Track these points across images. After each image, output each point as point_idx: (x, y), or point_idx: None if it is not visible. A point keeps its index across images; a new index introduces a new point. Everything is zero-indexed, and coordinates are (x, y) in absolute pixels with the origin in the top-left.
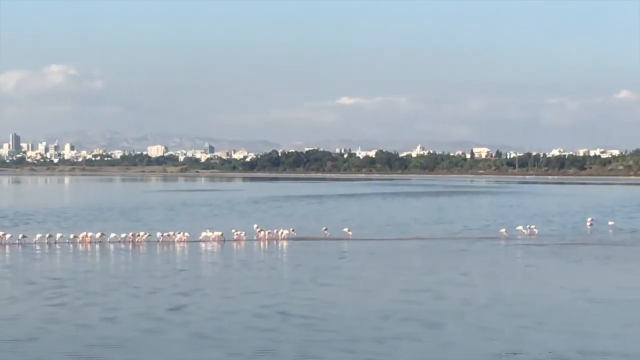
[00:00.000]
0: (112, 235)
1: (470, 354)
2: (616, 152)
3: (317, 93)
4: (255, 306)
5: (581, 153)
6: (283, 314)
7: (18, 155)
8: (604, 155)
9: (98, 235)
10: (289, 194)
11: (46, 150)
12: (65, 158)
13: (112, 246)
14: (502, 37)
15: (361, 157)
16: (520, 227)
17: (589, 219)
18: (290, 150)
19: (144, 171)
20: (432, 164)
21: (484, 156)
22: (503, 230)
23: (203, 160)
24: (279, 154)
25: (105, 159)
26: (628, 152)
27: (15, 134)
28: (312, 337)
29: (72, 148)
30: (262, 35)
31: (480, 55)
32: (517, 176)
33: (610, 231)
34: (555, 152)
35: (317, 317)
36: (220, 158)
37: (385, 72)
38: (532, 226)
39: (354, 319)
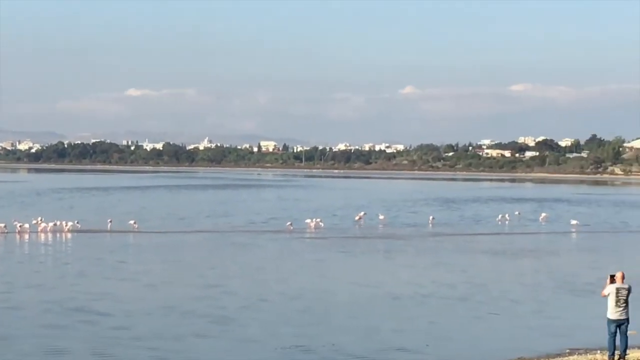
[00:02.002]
0: None
1: (258, 348)
2: (401, 147)
3: (104, 84)
4: (39, 302)
5: (367, 147)
6: (70, 310)
7: None
8: (389, 150)
9: None
10: (74, 186)
11: None
12: None
13: None
14: (288, 32)
15: (148, 150)
16: (308, 221)
17: (360, 213)
18: (76, 142)
19: None
20: (220, 157)
21: (271, 150)
22: (289, 223)
23: None
24: (65, 145)
25: None
26: (412, 147)
27: None
28: (102, 334)
29: None
30: (49, 25)
31: (267, 49)
32: (304, 170)
33: (381, 226)
34: (342, 147)
35: (105, 312)
36: (4, 149)
37: (172, 64)
38: (318, 219)
39: (144, 315)
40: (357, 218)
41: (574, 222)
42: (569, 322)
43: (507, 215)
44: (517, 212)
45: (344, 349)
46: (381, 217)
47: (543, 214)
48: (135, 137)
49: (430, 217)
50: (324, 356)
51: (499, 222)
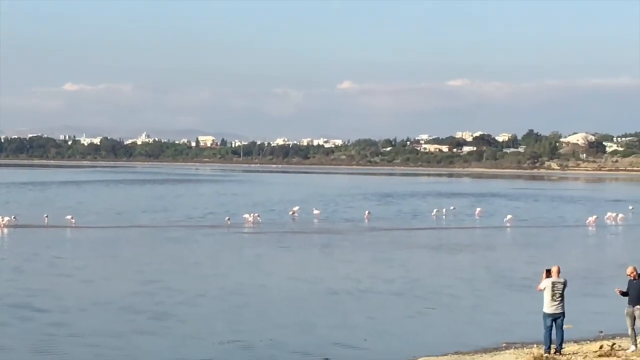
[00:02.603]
0: None
1: (197, 344)
2: (339, 142)
3: (42, 79)
4: None
5: (305, 142)
6: (6, 306)
7: None
8: (327, 145)
9: None
10: (10, 181)
11: None
12: None
13: None
14: (227, 26)
15: (86, 144)
16: (246, 215)
17: (294, 208)
18: (13, 137)
19: None
20: (158, 151)
21: (209, 144)
22: (227, 218)
23: None
24: (2, 140)
25: None
26: (350, 142)
27: None
28: (39, 331)
29: None
30: None
31: (206, 44)
32: (242, 165)
33: (316, 220)
34: (280, 141)
35: (42, 309)
36: None
37: (109, 59)
38: (256, 214)
39: (82, 311)
40: (291, 213)
41: (508, 216)
42: (506, 317)
43: (444, 210)
44: (452, 207)
45: (282, 344)
46: (316, 212)
47: (478, 209)
48: (72, 131)
49: (366, 212)
50: (262, 351)
51: (434, 217)
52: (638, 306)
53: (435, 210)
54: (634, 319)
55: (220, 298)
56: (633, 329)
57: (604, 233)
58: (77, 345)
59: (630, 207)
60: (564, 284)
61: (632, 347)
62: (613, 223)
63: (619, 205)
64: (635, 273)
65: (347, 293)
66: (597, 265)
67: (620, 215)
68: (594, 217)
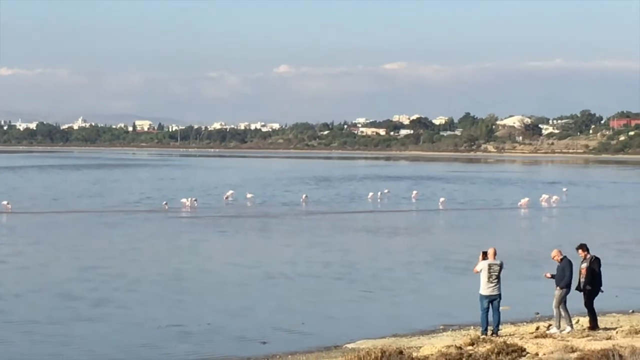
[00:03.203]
0: None
1: (136, 330)
2: (276, 126)
3: None
4: None
5: (242, 126)
6: None
7: None
8: (264, 129)
9: None
10: None
11: None
12: None
13: None
14: (164, 10)
15: (21, 129)
16: (184, 200)
17: (228, 192)
18: None
19: None
20: (94, 136)
21: (146, 129)
22: (164, 203)
23: None
24: None
25: None
26: (288, 126)
27: None
28: None
29: None
30: None
31: (142, 28)
32: (179, 149)
33: (249, 204)
34: (217, 126)
35: None
36: None
37: (44, 43)
38: (194, 199)
39: (18, 298)
40: (225, 197)
41: (442, 199)
42: (443, 299)
43: (379, 194)
44: (386, 190)
45: (220, 328)
46: (249, 195)
47: (414, 192)
48: (8, 116)
49: (303, 196)
50: (200, 336)
51: (370, 200)
52: (565, 288)
53: (370, 194)
54: (564, 300)
55: (158, 283)
56: (567, 311)
57: (539, 215)
58: (14, 332)
59: (564, 189)
60: (500, 266)
61: (568, 328)
62: (547, 205)
63: (555, 187)
64: (559, 256)
65: (285, 277)
66: (532, 247)
67: (555, 197)
68: (526, 199)
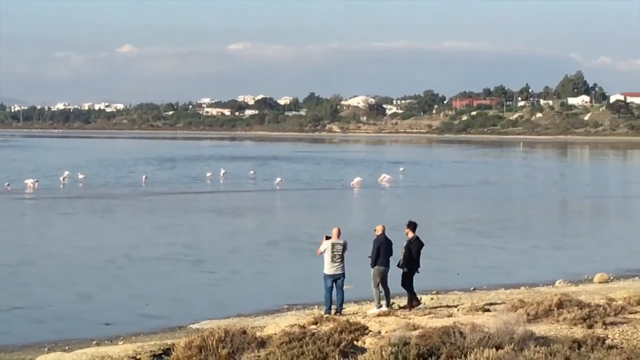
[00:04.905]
0: None
1: None
2: (121, 106)
3: None
4: None
5: (86, 107)
6: None
7: None
8: (108, 109)
9: None
10: None
11: None
12: None
13: None
14: None
15: None
16: (27, 181)
17: (64, 173)
18: None
19: None
20: None
21: None
22: (7, 184)
23: None
24: None
25: None
26: (132, 107)
27: None
28: None
29: None
30: None
31: None
32: (22, 130)
33: (80, 185)
34: (60, 106)
35: None
36: None
37: None
38: (36, 180)
39: None
40: (62, 178)
41: (278, 179)
42: (288, 279)
43: (221, 174)
44: (224, 171)
45: (64, 311)
46: (81, 176)
47: (251, 171)
48: None
49: (144, 176)
50: (43, 320)
51: (209, 181)
52: (377, 267)
53: (209, 174)
54: (381, 279)
55: (1, 267)
56: (380, 288)
57: (380, 194)
58: None
59: (401, 169)
60: (344, 246)
61: (379, 307)
62: (387, 185)
63: (398, 167)
64: (379, 232)
65: (128, 259)
66: (372, 226)
67: (387, 176)
68: (359, 178)
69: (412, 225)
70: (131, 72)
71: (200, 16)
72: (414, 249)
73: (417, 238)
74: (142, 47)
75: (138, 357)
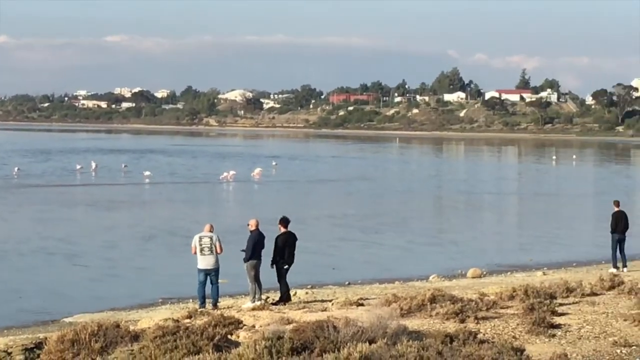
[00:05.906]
0: None
1: None
2: None
3: None
4: None
5: None
6: None
7: None
8: None
9: None
10: None
11: None
12: None
13: None
14: None
15: None
16: None
17: None
18: None
19: None
20: None
21: None
22: None
23: None
24: None
25: None
26: (7, 98)
27: None
28: None
29: None
30: None
31: None
32: None
33: None
34: None
35: None
36: None
37: None
38: None
39: None
40: None
41: (147, 172)
42: (162, 273)
43: (93, 167)
44: (94, 165)
45: None
46: None
47: (123, 165)
48: None
49: (15, 168)
50: None
51: (79, 173)
52: (250, 261)
53: (78, 166)
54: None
55: None
56: (257, 283)
57: (252, 189)
58: None
59: (274, 163)
60: (211, 239)
61: (249, 303)
62: (258, 178)
63: (275, 160)
64: (253, 227)
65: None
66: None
67: (258, 169)
68: (232, 172)
69: (285, 222)
70: (6, 62)
71: (77, 8)
72: (283, 242)
73: (290, 232)
74: (19, 37)
75: (9, 350)
